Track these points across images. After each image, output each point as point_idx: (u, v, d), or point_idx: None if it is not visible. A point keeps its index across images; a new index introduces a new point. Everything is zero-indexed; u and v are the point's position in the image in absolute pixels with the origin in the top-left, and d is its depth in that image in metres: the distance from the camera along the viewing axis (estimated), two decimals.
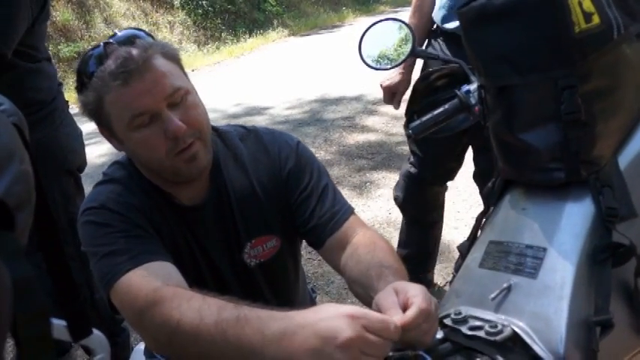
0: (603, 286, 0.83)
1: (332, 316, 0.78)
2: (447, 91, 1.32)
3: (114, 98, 1.09)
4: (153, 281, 1.04)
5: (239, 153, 1.28)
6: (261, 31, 12.10)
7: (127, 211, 1.16)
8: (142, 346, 1.50)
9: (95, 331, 1.12)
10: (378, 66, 1.43)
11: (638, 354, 0.86)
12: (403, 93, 2.21)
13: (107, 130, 1.17)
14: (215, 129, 1.29)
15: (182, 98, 1.13)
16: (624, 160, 0.90)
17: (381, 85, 2.23)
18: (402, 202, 2.47)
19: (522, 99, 0.90)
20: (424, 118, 1.27)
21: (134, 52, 1.09)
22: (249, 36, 11.75)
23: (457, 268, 1.05)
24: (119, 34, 1.16)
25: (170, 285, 1.03)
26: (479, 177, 2.35)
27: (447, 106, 1.25)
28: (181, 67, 1.19)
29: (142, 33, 1.18)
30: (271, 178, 1.27)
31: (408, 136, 1.29)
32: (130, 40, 1.12)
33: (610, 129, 0.88)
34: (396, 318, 0.82)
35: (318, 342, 0.76)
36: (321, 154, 4.51)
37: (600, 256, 0.85)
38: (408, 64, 2.11)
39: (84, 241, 1.17)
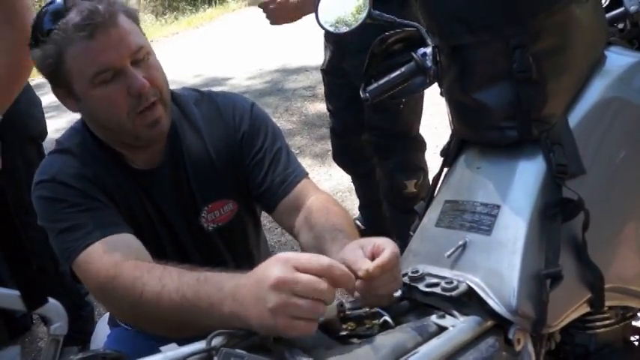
0: (553, 241, 0.86)
1: (269, 263, 0.79)
2: (404, 55, 1.32)
3: (77, 52, 1.07)
4: (113, 255, 1.04)
5: (194, 117, 1.27)
6: (220, 0, 11.88)
7: (80, 184, 1.14)
8: (106, 316, 1.49)
9: (51, 300, 1.11)
10: (336, 30, 1.42)
11: (583, 303, 0.89)
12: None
13: (64, 88, 1.14)
14: (170, 92, 1.26)
15: (144, 57, 1.12)
16: (574, 118, 0.92)
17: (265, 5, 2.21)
18: (333, 158, 2.70)
19: (475, 58, 0.91)
20: (381, 82, 1.27)
21: (100, 6, 1.07)
22: (209, 6, 11.51)
23: (414, 229, 1.07)
24: None
25: (130, 257, 1.03)
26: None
27: (403, 69, 1.25)
28: (141, 29, 1.18)
29: None
30: (226, 142, 1.26)
31: (365, 100, 1.29)
32: None
33: (560, 88, 0.90)
34: (368, 264, 0.84)
35: (257, 287, 0.78)
36: (282, 123, 4.49)
37: (550, 211, 0.87)
38: None
39: (39, 215, 1.16)
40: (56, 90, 1.16)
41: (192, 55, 7.60)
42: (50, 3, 1.11)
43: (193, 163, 1.25)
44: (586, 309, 0.91)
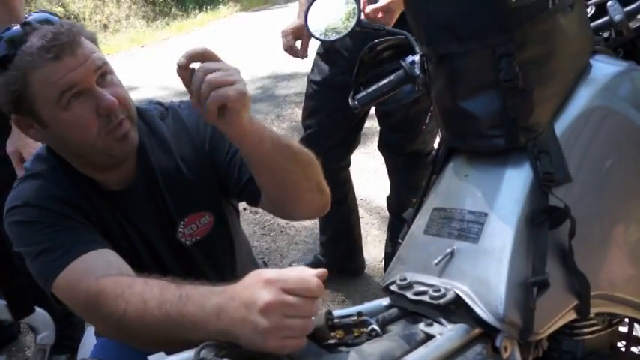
0: (540, 248, 0.86)
1: (252, 283, 0.80)
2: (393, 63, 1.33)
3: (44, 74, 1.05)
4: (92, 272, 1.03)
5: (161, 133, 1.26)
6: (212, 6, 11.87)
7: (52, 205, 1.13)
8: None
9: (38, 309, 1.10)
10: (326, 38, 1.42)
11: (570, 310, 0.90)
12: (309, 38, 1.99)
13: (28, 116, 1.12)
14: (136, 108, 1.25)
15: (108, 76, 1.12)
16: (560, 126, 0.93)
17: (282, 33, 2.13)
18: None
19: (462, 67, 0.91)
20: (370, 89, 1.27)
21: (62, 28, 1.07)
22: (199, 11, 11.51)
23: (403, 236, 1.07)
24: (32, 16, 1.12)
25: (110, 274, 1.02)
26: (382, 147, 2.37)
27: (392, 77, 1.26)
28: (101, 51, 1.17)
29: (54, 16, 1.14)
30: (195, 154, 1.26)
31: (354, 108, 1.30)
32: (47, 21, 1.10)
33: (546, 96, 0.91)
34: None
35: (245, 310, 0.78)
36: (273, 129, 4.49)
37: (537, 219, 0.87)
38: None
39: (14, 241, 1.14)
40: (19, 119, 1.14)
41: None
42: (5, 30, 1.09)
43: (165, 179, 1.24)
44: (572, 316, 0.91)
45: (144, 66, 7.32)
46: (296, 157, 1.14)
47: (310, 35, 1.46)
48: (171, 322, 0.89)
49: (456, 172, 1.02)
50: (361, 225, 2.64)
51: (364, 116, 2.34)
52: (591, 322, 1.06)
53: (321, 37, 1.46)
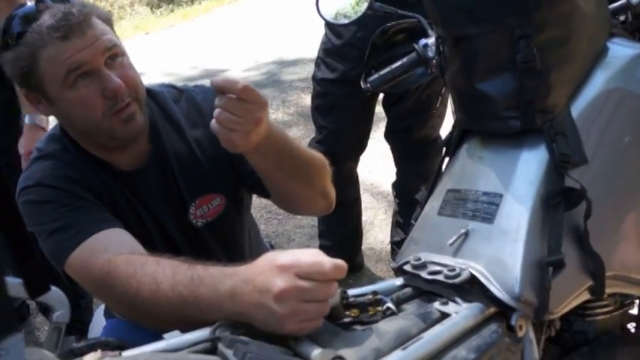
0: (556, 229, 0.87)
1: (266, 269, 0.80)
2: (405, 46, 1.33)
3: (51, 53, 1.06)
4: (104, 251, 1.03)
5: (175, 115, 1.27)
6: None
7: (65, 185, 1.14)
8: (102, 308, 1.49)
9: (53, 288, 1.11)
10: (336, 21, 1.42)
11: (584, 291, 0.91)
12: None
13: (36, 92, 1.13)
14: (148, 90, 1.26)
15: (118, 58, 1.12)
16: (577, 108, 0.93)
17: None
18: None
19: (479, 49, 0.92)
20: (382, 72, 1.27)
21: (73, 8, 1.07)
22: None
23: (416, 218, 1.08)
24: None
25: (123, 252, 1.03)
26: (390, 135, 2.37)
27: (404, 60, 1.26)
28: (114, 31, 1.18)
29: None
30: (208, 137, 1.24)
31: (367, 91, 1.30)
32: (62, 0, 1.10)
33: (564, 78, 0.91)
34: None
35: (260, 296, 0.78)
36: (279, 115, 4.50)
37: (553, 200, 0.88)
38: None
39: (27, 221, 1.15)
40: (28, 94, 1.16)
41: (189, 47, 7.56)
42: (20, 7, 1.11)
43: (178, 160, 1.24)
44: (587, 296, 0.92)
45: (149, 53, 7.29)
46: (304, 172, 1.18)
47: (321, 18, 1.46)
48: (184, 304, 0.89)
49: (470, 154, 1.02)
50: (368, 209, 2.63)
51: (372, 114, 2.32)
52: (604, 303, 1.07)
53: (332, 21, 1.46)
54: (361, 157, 2.49)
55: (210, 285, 0.87)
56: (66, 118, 1.16)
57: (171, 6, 10.92)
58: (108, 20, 1.16)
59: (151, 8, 10.72)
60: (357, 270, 2.59)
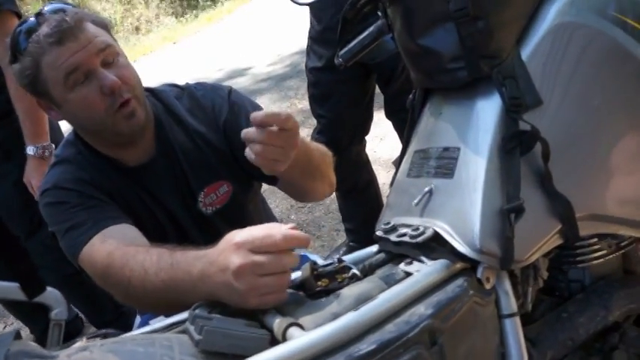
0: (513, 175, 0.84)
1: (225, 248, 0.83)
2: (376, 16, 1.31)
3: (50, 59, 1.14)
4: (107, 245, 1.10)
5: (177, 110, 1.33)
6: None
7: (78, 186, 1.22)
8: None
9: (49, 288, 1.17)
10: (300, 1, 1.43)
11: (555, 235, 0.88)
12: None
13: (44, 98, 1.21)
14: (151, 90, 1.34)
15: (114, 59, 1.19)
16: (526, 49, 0.89)
17: None
18: None
19: (414, 4, 0.90)
20: (351, 45, 1.26)
21: (66, 16, 1.14)
22: None
23: (391, 184, 1.07)
24: (47, 7, 1.20)
25: (121, 245, 1.08)
26: (390, 115, 2.30)
27: (372, 29, 1.24)
28: (112, 36, 1.24)
29: (69, 5, 1.22)
30: (210, 130, 1.31)
31: (339, 65, 1.29)
32: (60, 10, 1.17)
33: (504, 20, 0.87)
34: None
35: (223, 275, 0.81)
36: (304, 104, 4.50)
37: (508, 146, 0.85)
38: None
39: (48, 222, 1.23)
40: (39, 101, 1.24)
41: (214, 50, 7.67)
42: (23, 23, 1.18)
43: (184, 152, 1.30)
44: (559, 241, 0.89)
45: (177, 61, 7.44)
46: (318, 171, 1.26)
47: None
48: (167, 288, 0.94)
49: (432, 112, 1.01)
50: (386, 185, 2.61)
51: (372, 93, 2.28)
52: (594, 247, 1.04)
53: (297, 1, 1.46)
54: (375, 136, 2.46)
55: (184, 269, 0.91)
56: (74, 119, 1.24)
57: (195, 11, 11.07)
58: (104, 25, 1.22)
59: (176, 17, 10.90)
60: None
